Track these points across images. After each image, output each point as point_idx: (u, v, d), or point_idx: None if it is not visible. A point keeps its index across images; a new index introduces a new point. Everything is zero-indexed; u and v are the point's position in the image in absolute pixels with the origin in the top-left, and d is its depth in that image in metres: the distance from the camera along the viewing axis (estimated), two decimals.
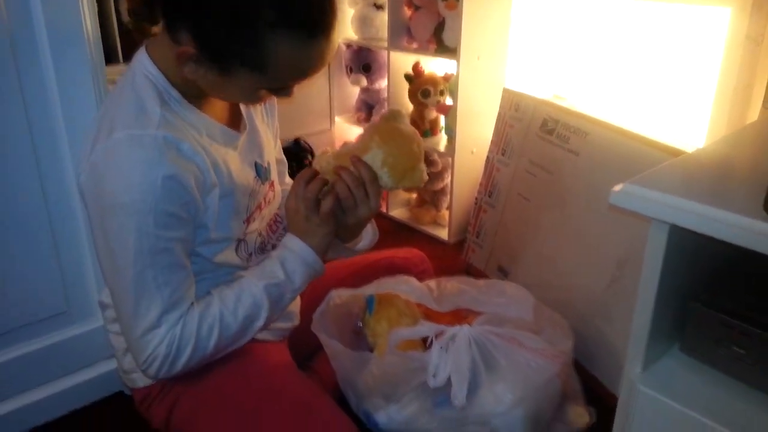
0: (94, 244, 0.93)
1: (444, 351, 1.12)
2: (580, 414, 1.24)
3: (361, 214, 1.01)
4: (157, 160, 0.85)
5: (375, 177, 0.99)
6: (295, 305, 1.19)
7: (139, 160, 0.85)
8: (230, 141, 1.00)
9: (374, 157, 0.99)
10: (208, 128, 0.96)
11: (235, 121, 1.05)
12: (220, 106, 1.01)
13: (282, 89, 0.95)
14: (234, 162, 1.00)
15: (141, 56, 0.93)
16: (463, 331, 1.14)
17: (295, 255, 1.00)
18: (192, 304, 0.94)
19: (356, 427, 0.99)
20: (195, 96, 0.95)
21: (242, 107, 1.07)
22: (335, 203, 0.99)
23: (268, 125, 1.16)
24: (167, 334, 0.90)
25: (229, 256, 1.03)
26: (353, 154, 1.00)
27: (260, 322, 0.98)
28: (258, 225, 1.09)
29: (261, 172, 1.07)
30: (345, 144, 1.06)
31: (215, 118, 0.98)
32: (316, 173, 1.00)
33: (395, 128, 1.03)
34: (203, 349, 0.94)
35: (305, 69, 0.90)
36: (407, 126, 1.04)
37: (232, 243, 1.03)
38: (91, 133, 0.92)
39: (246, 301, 0.96)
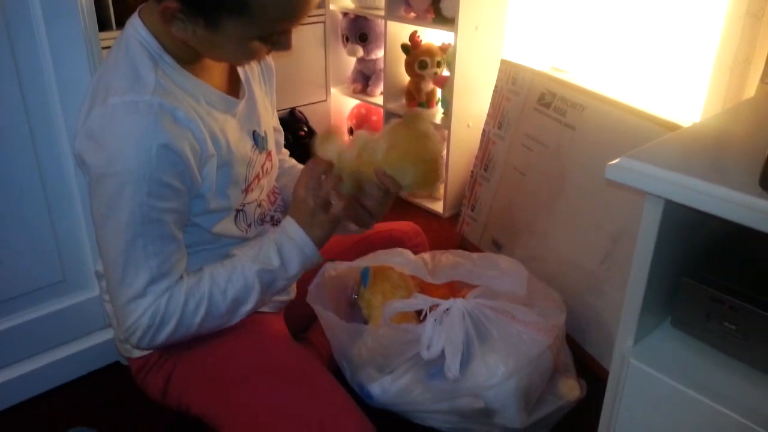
0: (90, 209, 0.93)
1: (438, 323, 1.13)
2: (571, 387, 1.26)
3: (367, 222, 1.03)
4: (152, 128, 0.84)
5: (397, 193, 0.99)
6: None
7: (134, 127, 0.85)
8: (229, 107, 0.99)
9: (402, 174, 0.96)
10: (206, 94, 0.95)
11: (233, 88, 1.04)
12: (217, 73, 1.00)
13: (276, 40, 0.91)
14: (233, 131, 0.99)
15: (134, 21, 0.92)
16: (456, 304, 1.15)
17: (293, 243, 0.99)
18: (182, 277, 0.93)
19: (350, 396, 1.00)
20: (189, 61, 0.93)
21: (240, 73, 1.05)
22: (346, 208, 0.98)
23: (266, 93, 1.15)
24: (152, 304, 0.90)
25: (227, 226, 1.02)
26: (378, 167, 0.96)
27: (249, 306, 0.98)
28: (257, 195, 1.08)
29: (259, 141, 1.06)
30: (356, 134, 1.01)
31: (212, 84, 0.97)
32: (329, 165, 0.97)
33: (420, 136, 0.98)
34: (187, 326, 0.93)
35: (292, 9, 0.86)
36: (430, 132, 0.99)
37: (230, 213, 1.02)
38: (86, 99, 0.91)
39: (237, 282, 0.95)
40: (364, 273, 1.29)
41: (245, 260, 0.97)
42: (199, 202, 0.96)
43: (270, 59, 1.14)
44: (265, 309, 1.11)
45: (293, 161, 1.30)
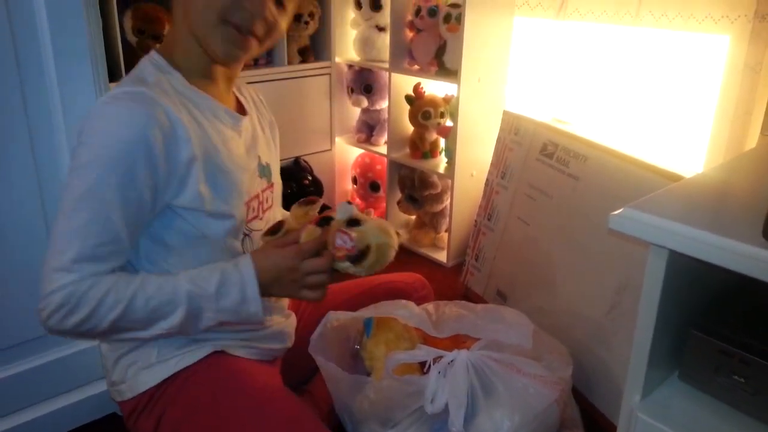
0: None
1: (442, 376, 1.11)
2: None
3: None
4: (135, 115, 0.87)
5: None
6: (290, 326, 1.18)
7: (118, 111, 0.88)
8: (234, 123, 1.03)
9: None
10: (211, 107, 0.99)
11: (239, 110, 1.08)
12: (225, 94, 1.05)
13: (244, 15, 0.93)
14: (237, 146, 1.02)
15: (149, 53, 1.00)
16: (461, 355, 1.13)
17: (239, 279, 0.96)
18: (114, 271, 0.91)
19: None
20: (198, 77, 0.99)
21: (245, 105, 1.10)
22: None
23: (271, 140, 1.18)
24: (72, 283, 0.86)
25: (234, 244, 1.02)
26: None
27: (168, 323, 0.92)
28: (263, 225, 1.09)
29: (261, 168, 1.09)
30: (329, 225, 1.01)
31: (219, 101, 1.02)
32: (327, 256, 0.97)
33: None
34: (99, 319, 0.88)
35: None
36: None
37: (235, 225, 1.01)
38: None
39: (164, 295, 0.92)
40: (367, 323, 1.27)
41: (181, 277, 0.94)
42: (194, 202, 0.94)
43: (273, 118, 1.21)
44: (258, 357, 1.10)
45: None
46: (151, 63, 0.97)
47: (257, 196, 1.08)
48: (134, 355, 1.02)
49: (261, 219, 1.09)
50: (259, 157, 1.09)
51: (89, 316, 0.88)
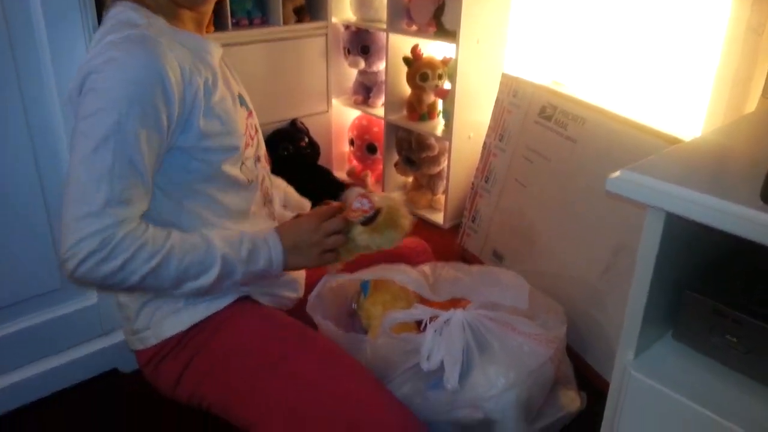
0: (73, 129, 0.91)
1: (438, 334, 1.12)
2: (571, 398, 1.25)
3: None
4: (147, 55, 0.87)
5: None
6: (301, 276, 1.19)
7: (131, 52, 0.87)
8: (214, 51, 1.02)
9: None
10: (197, 45, 0.99)
11: None
12: (198, 31, 1.05)
13: None
14: (220, 76, 1.01)
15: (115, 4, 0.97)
16: (457, 315, 1.14)
17: (266, 246, 1.00)
18: (147, 225, 0.91)
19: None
20: (172, 18, 0.98)
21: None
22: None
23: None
24: (106, 228, 0.85)
25: (233, 170, 1.03)
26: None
27: (197, 284, 0.94)
28: (252, 152, 1.09)
29: (240, 99, 1.08)
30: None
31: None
32: (342, 216, 1.06)
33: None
34: (130, 272, 0.88)
35: None
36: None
37: (237, 156, 1.03)
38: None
39: (198, 254, 0.93)
40: (364, 285, 1.29)
41: (215, 238, 0.95)
42: (200, 139, 0.96)
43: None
44: (273, 304, 1.12)
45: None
46: (130, 9, 0.95)
47: (245, 126, 1.07)
48: (160, 301, 1.01)
49: (251, 146, 1.09)
50: (234, 89, 1.07)
51: (122, 267, 0.86)
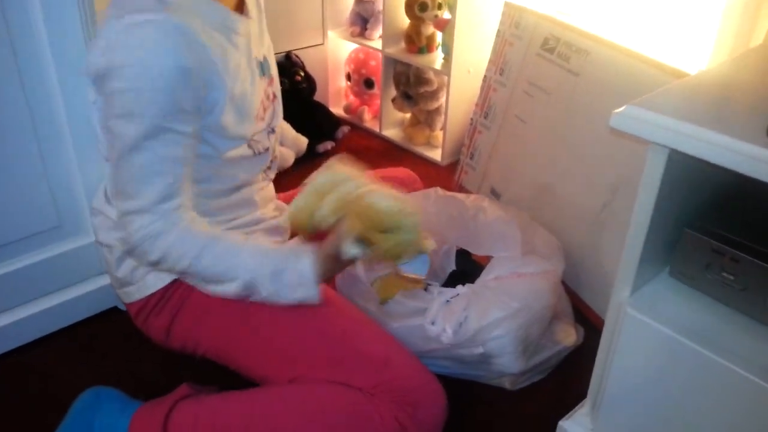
0: (102, 125, 0.94)
1: (445, 304, 1.16)
2: (568, 333, 1.27)
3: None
4: (172, 48, 0.86)
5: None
6: (285, 222, 1.19)
7: (154, 45, 0.85)
8: (242, 29, 1.00)
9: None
10: (222, 20, 0.96)
11: (240, 7, 1.04)
12: None
13: None
14: (242, 52, 1.00)
15: None
16: (464, 290, 1.19)
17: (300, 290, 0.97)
18: (193, 215, 0.95)
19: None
20: None
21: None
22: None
23: (263, 26, 1.14)
24: (147, 226, 0.90)
25: (240, 151, 1.03)
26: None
27: (222, 289, 0.96)
28: (267, 123, 1.09)
29: (261, 67, 1.07)
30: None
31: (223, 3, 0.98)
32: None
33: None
34: (169, 267, 0.94)
35: None
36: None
37: (245, 143, 1.03)
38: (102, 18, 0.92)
39: (225, 264, 0.94)
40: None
41: (246, 252, 0.95)
42: (213, 120, 0.96)
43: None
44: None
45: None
46: None
47: (261, 101, 1.06)
48: None
49: (264, 119, 1.08)
50: (256, 57, 1.06)
51: (160, 261, 0.93)
